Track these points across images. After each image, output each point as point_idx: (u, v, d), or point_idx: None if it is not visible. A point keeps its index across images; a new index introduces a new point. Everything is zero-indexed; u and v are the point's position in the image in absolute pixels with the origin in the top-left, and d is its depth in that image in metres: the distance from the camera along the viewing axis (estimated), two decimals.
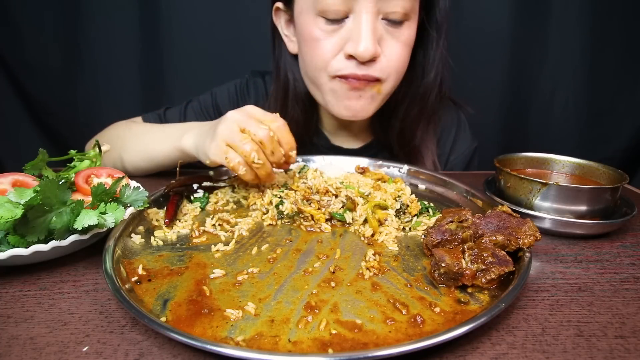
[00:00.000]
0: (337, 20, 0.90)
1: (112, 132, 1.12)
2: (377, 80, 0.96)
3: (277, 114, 0.79)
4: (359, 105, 0.99)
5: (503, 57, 1.62)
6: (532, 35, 1.59)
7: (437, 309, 0.51)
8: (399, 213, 0.76)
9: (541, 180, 0.75)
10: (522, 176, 0.77)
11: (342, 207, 0.77)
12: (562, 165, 0.89)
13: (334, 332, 0.47)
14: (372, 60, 0.91)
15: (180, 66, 1.63)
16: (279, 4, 1.03)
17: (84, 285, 0.58)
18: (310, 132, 1.18)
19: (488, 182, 0.91)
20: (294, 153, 0.79)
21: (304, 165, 0.94)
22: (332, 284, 0.57)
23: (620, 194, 0.78)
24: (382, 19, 0.90)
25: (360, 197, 0.78)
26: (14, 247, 0.57)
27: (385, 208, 0.75)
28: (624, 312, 0.54)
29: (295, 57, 1.09)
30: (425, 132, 1.14)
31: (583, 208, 0.74)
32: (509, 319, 0.52)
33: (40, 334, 0.48)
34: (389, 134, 1.15)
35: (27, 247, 0.57)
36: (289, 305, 0.52)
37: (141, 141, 1.03)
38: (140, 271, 0.59)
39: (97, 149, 0.89)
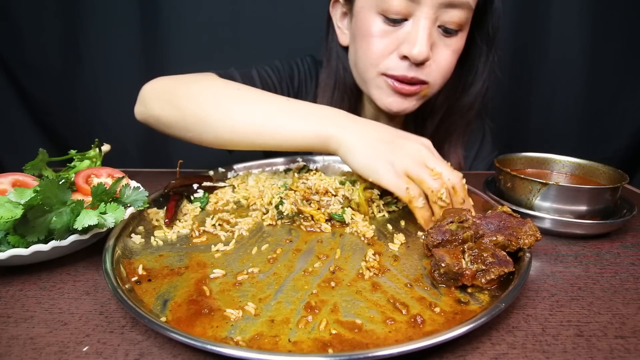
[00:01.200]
0: (396, 21, 0.93)
1: (203, 82, 0.91)
2: (424, 83, 0.99)
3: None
4: (405, 105, 1.03)
5: (503, 57, 1.62)
6: (532, 34, 1.59)
7: (437, 309, 0.51)
8: (383, 195, 0.79)
9: (541, 180, 0.75)
10: (522, 176, 0.77)
11: (341, 207, 0.77)
12: (562, 165, 0.89)
13: (334, 332, 0.47)
14: (422, 63, 0.95)
15: (181, 66, 1.62)
16: None
17: (84, 285, 0.58)
18: None
19: (488, 182, 0.91)
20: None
21: (304, 166, 0.94)
22: (332, 284, 0.57)
23: (620, 194, 0.78)
24: (439, 26, 0.94)
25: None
26: (14, 247, 0.57)
27: (371, 188, 0.79)
28: (624, 312, 0.54)
29: (344, 49, 1.12)
30: (457, 138, 1.19)
31: (583, 208, 0.74)
32: (509, 319, 0.52)
33: (40, 334, 0.48)
34: (422, 134, 1.18)
35: (27, 247, 0.57)
36: (289, 305, 0.52)
37: (257, 111, 0.83)
38: (140, 271, 0.59)
39: (97, 149, 0.89)
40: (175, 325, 0.48)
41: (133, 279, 0.57)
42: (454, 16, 0.91)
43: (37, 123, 1.69)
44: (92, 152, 0.88)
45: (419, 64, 0.94)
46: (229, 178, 0.96)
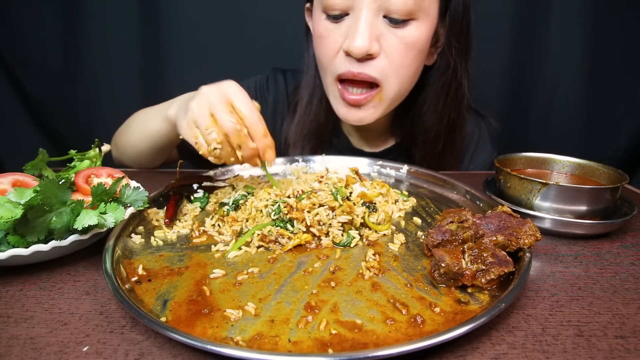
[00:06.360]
0: (338, 17, 0.90)
1: (131, 117, 1.11)
2: (375, 86, 0.94)
3: (255, 103, 0.75)
4: (360, 116, 0.98)
5: (503, 57, 1.62)
6: (532, 34, 1.59)
7: (437, 309, 0.51)
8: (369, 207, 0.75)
9: (541, 180, 0.75)
10: (522, 176, 0.77)
11: (342, 229, 0.70)
12: (562, 165, 0.89)
13: (334, 332, 0.47)
14: (369, 58, 0.90)
15: (181, 65, 1.63)
16: (308, 4, 1.06)
17: (84, 285, 0.58)
18: (330, 131, 1.16)
19: (488, 182, 0.91)
20: (270, 153, 0.74)
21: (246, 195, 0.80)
22: (332, 284, 0.57)
23: (620, 194, 0.78)
24: (384, 16, 0.88)
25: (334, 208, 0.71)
26: (14, 247, 0.57)
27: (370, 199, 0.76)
28: (624, 312, 0.54)
29: None
30: (450, 145, 1.13)
31: (583, 208, 0.74)
32: (509, 319, 0.52)
33: (40, 334, 0.48)
34: (413, 143, 1.13)
35: (27, 247, 0.57)
36: (289, 305, 0.52)
37: (142, 118, 1.02)
38: (140, 271, 0.60)
39: (97, 149, 0.89)
40: (175, 325, 0.48)
41: (133, 279, 0.57)
42: (397, 2, 0.84)
43: (37, 123, 1.69)
44: (92, 152, 0.88)
45: (364, 58, 0.89)
46: (229, 178, 0.96)
